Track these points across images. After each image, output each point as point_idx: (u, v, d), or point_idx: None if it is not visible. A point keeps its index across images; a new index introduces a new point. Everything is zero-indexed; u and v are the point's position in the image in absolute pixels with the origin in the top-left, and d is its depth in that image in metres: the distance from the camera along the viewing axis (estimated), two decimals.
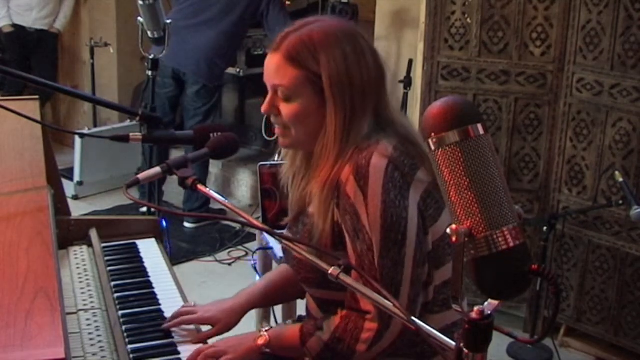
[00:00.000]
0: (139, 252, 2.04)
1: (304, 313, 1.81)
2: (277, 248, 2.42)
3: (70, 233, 2.02)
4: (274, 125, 1.63)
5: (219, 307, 1.75)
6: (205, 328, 1.73)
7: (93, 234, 2.02)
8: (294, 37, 1.54)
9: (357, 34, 1.57)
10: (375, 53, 1.58)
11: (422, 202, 1.53)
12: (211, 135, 1.67)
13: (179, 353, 1.61)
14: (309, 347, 1.58)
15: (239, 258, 4.11)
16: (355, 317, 1.53)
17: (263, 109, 1.60)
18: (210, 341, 1.69)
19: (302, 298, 1.80)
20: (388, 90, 1.61)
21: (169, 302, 1.80)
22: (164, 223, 2.18)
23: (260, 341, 1.63)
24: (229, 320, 1.73)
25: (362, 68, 1.53)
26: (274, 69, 1.55)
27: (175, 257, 3.78)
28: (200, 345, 1.65)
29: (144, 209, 4.21)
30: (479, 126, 0.96)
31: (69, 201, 2.27)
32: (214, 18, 4.26)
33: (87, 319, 1.64)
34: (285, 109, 1.56)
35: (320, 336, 1.56)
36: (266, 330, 1.64)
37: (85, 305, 1.70)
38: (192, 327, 1.70)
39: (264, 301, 1.85)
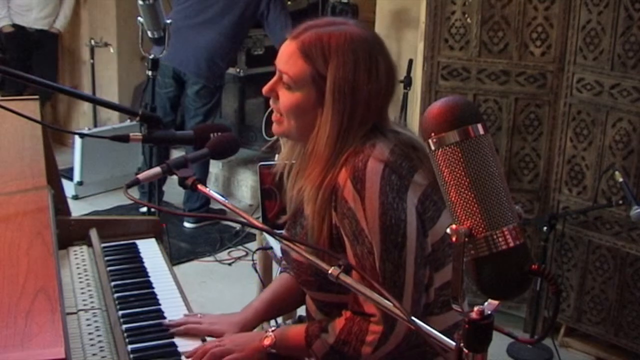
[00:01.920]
0: (139, 252, 2.04)
1: (304, 313, 1.80)
2: (277, 248, 2.42)
3: (70, 233, 2.01)
4: (272, 109, 1.62)
5: (226, 320, 1.74)
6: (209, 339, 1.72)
7: (93, 234, 2.02)
8: (314, 32, 1.53)
9: (377, 47, 1.55)
10: (391, 70, 1.56)
11: (420, 205, 1.52)
12: (211, 135, 1.67)
13: (179, 354, 1.61)
14: (315, 349, 1.57)
15: (239, 258, 4.11)
16: (359, 320, 1.53)
17: (264, 90, 1.59)
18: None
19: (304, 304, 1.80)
20: (388, 108, 1.60)
21: (169, 302, 1.80)
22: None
23: (267, 342, 1.62)
24: (236, 333, 1.72)
25: (370, 82, 1.51)
26: (287, 56, 1.55)
27: (175, 257, 3.78)
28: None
29: (144, 209, 4.21)
30: (479, 126, 0.96)
31: (69, 201, 2.27)
32: (214, 18, 4.25)
33: (87, 319, 1.64)
34: (284, 97, 1.56)
35: (326, 339, 1.56)
36: (272, 331, 1.64)
37: (85, 305, 1.70)
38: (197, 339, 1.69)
39: (269, 314, 1.84)
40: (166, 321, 1.70)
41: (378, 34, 1.62)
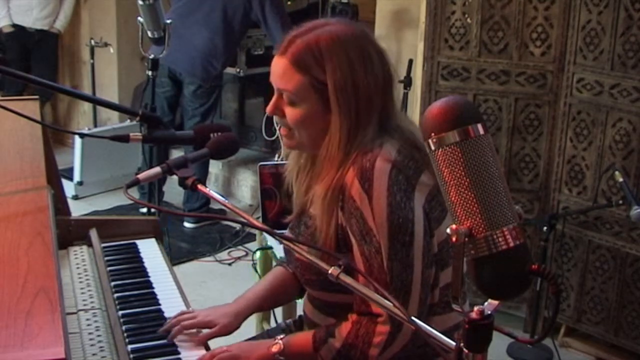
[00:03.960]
0: (139, 252, 2.04)
1: None
2: (277, 248, 2.42)
3: (70, 233, 2.01)
4: (279, 125, 1.62)
5: (219, 311, 1.74)
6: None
7: (93, 234, 2.02)
8: (301, 42, 1.53)
9: (365, 39, 1.55)
10: (383, 59, 1.57)
11: (427, 205, 1.53)
12: (211, 135, 1.67)
13: (179, 353, 1.61)
14: (322, 354, 1.57)
15: (239, 258, 4.11)
16: (366, 322, 1.53)
17: (268, 110, 1.60)
18: (217, 343, 1.68)
19: (301, 296, 1.80)
20: (395, 95, 1.60)
21: (169, 302, 1.80)
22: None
23: (275, 349, 1.61)
24: (229, 322, 1.72)
25: (368, 75, 1.52)
26: (280, 73, 1.54)
27: (175, 257, 3.78)
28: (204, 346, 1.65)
29: (144, 209, 4.21)
30: (479, 126, 0.96)
31: (69, 201, 2.27)
32: (205, 17, 4.22)
33: (87, 319, 1.64)
34: (290, 113, 1.56)
35: (333, 343, 1.55)
36: (280, 339, 1.62)
37: (85, 305, 1.70)
38: (193, 330, 1.69)
39: (263, 305, 1.84)
40: (160, 330, 1.68)
41: (362, 24, 1.63)
